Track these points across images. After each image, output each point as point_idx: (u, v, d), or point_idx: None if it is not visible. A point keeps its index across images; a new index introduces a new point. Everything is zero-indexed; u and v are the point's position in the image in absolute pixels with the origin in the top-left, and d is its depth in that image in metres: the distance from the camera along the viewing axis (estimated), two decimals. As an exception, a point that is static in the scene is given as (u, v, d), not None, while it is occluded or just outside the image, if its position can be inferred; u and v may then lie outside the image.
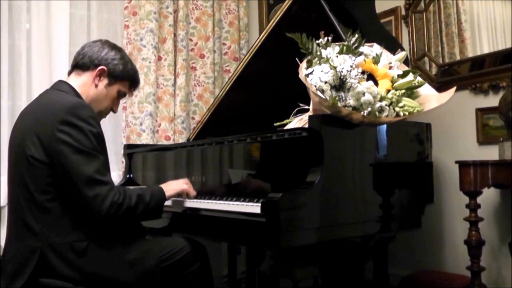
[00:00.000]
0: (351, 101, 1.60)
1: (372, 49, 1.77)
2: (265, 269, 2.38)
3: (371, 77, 1.69)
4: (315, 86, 1.62)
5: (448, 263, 2.41)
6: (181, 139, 3.00)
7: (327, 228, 1.58)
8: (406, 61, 1.93)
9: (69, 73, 1.77)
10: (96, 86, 1.72)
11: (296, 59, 1.74)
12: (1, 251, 1.65)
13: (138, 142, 2.84)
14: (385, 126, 1.77)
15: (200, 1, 3.22)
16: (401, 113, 1.65)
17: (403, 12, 2.62)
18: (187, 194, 1.84)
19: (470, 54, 2.35)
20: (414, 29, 2.56)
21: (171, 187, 1.78)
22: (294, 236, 1.48)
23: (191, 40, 3.19)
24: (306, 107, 1.89)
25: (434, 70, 2.48)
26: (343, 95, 1.61)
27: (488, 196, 2.19)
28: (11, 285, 1.51)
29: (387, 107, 1.64)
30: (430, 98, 1.75)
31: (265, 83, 2.50)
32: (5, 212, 1.67)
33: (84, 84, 1.71)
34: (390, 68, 1.76)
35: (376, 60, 1.73)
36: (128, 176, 2.56)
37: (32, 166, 1.51)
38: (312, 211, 1.53)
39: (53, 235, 1.50)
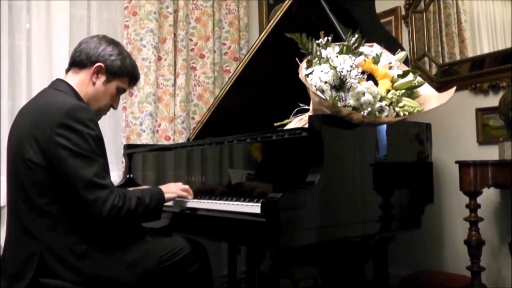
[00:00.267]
0: (351, 101, 1.60)
1: (372, 49, 1.77)
2: (265, 269, 2.38)
3: (371, 77, 1.69)
4: (315, 86, 1.62)
5: (448, 263, 2.41)
6: (181, 139, 3.00)
7: (327, 228, 1.58)
8: (406, 61, 1.93)
9: (67, 70, 1.74)
10: (94, 83, 1.69)
11: (296, 59, 1.74)
12: (1, 251, 1.65)
13: (138, 142, 2.84)
14: (385, 126, 1.77)
15: (200, 1, 3.22)
16: (401, 113, 1.65)
17: (403, 12, 2.62)
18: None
19: (470, 54, 2.35)
20: (414, 29, 2.56)
21: (170, 190, 1.77)
22: (294, 236, 1.48)
23: (191, 40, 3.19)
24: (306, 107, 1.89)
25: (434, 70, 2.48)
26: (343, 95, 1.61)
27: (488, 196, 2.19)
28: (11, 286, 1.51)
29: (387, 107, 1.64)
30: (430, 98, 1.75)
31: (265, 83, 2.50)
32: (5, 212, 1.66)
33: (82, 82, 1.68)
34: (390, 68, 1.76)
35: (376, 60, 1.73)
36: (128, 176, 2.56)
37: (30, 170, 1.50)
38: (312, 211, 1.53)
39: (52, 238, 1.49)
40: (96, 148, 1.52)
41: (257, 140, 1.81)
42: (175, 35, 3.08)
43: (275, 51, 2.29)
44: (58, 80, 1.71)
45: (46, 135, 1.49)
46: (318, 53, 1.69)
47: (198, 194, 1.96)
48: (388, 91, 1.68)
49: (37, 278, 1.48)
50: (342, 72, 1.59)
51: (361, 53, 1.71)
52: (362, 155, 1.73)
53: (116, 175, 2.83)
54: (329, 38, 1.71)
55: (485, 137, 2.26)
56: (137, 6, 2.95)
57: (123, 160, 2.67)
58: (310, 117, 1.64)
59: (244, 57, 2.44)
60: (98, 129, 1.56)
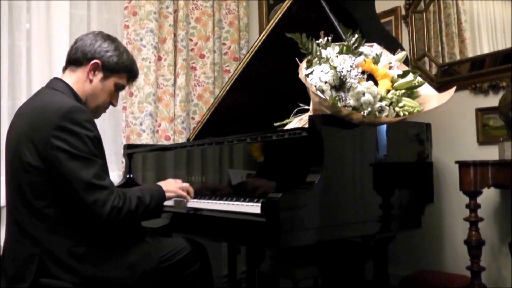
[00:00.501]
0: (351, 101, 1.60)
1: (372, 49, 1.77)
2: (265, 269, 2.38)
3: (371, 77, 1.69)
4: (315, 86, 1.62)
5: (448, 263, 2.41)
6: (181, 139, 3.00)
7: (327, 228, 1.58)
8: (406, 61, 1.93)
9: (64, 69, 1.72)
10: (91, 81, 1.66)
11: (296, 59, 1.74)
12: (0, 250, 1.65)
13: (138, 142, 2.84)
14: (385, 126, 1.77)
15: (200, 1, 3.22)
16: (401, 113, 1.65)
17: (403, 12, 2.62)
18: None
19: (470, 54, 2.35)
20: (414, 29, 2.56)
21: (171, 189, 1.75)
22: (294, 236, 1.48)
23: (191, 40, 3.19)
24: (306, 107, 1.89)
25: (434, 70, 2.48)
26: (343, 95, 1.60)
27: (488, 196, 2.19)
28: (12, 286, 1.51)
29: (387, 107, 1.64)
30: (430, 98, 1.75)
31: (265, 83, 2.50)
32: (5, 212, 1.66)
33: (79, 81, 1.66)
34: (390, 68, 1.76)
35: (376, 60, 1.73)
36: (128, 176, 2.56)
37: (28, 173, 1.49)
38: (312, 211, 1.53)
39: (50, 240, 1.48)
40: (94, 149, 1.51)
41: (257, 140, 1.81)
42: (175, 35, 3.08)
43: (275, 51, 2.28)
44: (56, 79, 1.69)
45: (43, 138, 1.47)
46: (318, 53, 1.69)
47: (198, 194, 1.95)
48: (388, 91, 1.68)
49: (38, 279, 1.48)
50: (342, 72, 1.59)
51: (361, 53, 1.71)
52: (362, 155, 1.73)
53: (116, 175, 2.83)
54: (329, 38, 1.71)
55: (485, 137, 2.26)
56: (137, 6, 2.95)
57: (123, 160, 2.67)
58: (310, 117, 1.64)
59: (244, 57, 2.44)
60: (96, 130, 1.54)
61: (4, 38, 2.56)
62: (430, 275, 2.29)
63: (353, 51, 1.69)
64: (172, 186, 1.77)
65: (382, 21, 2.57)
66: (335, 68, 1.60)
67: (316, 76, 1.63)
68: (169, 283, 1.65)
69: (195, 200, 1.86)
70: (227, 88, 2.48)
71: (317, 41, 1.71)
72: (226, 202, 1.77)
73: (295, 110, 1.93)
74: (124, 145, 2.68)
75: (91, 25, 2.89)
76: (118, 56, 1.69)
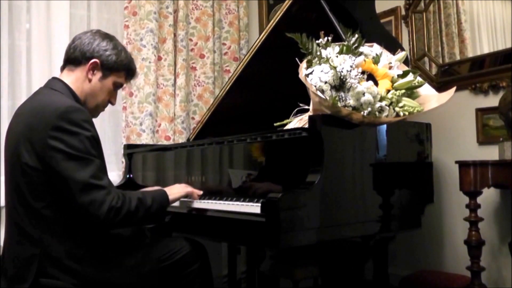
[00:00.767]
0: (351, 101, 1.60)
1: (372, 49, 1.77)
2: (265, 269, 2.38)
3: (371, 77, 1.69)
4: (315, 86, 1.62)
5: (448, 263, 2.41)
6: (181, 139, 3.00)
7: (327, 228, 1.58)
8: (406, 61, 1.93)
9: (62, 68, 1.70)
10: (90, 80, 1.65)
11: (296, 59, 1.74)
12: (0, 251, 1.65)
13: (138, 142, 2.84)
14: (385, 126, 1.77)
15: (200, 1, 3.22)
16: (401, 113, 1.65)
17: (403, 12, 2.62)
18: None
19: (470, 54, 2.35)
20: (414, 29, 2.56)
21: (174, 191, 1.73)
22: (294, 236, 1.48)
23: (191, 40, 3.19)
24: (306, 107, 1.89)
25: (434, 70, 2.48)
26: (343, 95, 1.60)
27: (488, 196, 2.19)
28: (12, 287, 1.51)
29: (387, 107, 1.64)
30: (430, 98, 1.75)
31: (265, 83, 2.50)
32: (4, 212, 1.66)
33: (78, 80, 1.65)
34: (390, 68, 1.76)
35: (376, 60, 1.73)
36: (128, 176, 2.55)
37: (26, 174, 1.48)
38: (312, 211, 1.53)
39: (49, 241, 1.48)
40: (91, 149, 1.49)
41: (257, 140, 1.81)
42: (175, 35, 3.08)
43: (275, 51, 2.28)
44: (54, 79, 1.68)
45: (40, 138, 1.47)
46: (318, 53, 1.69)
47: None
48: (388, 91, 1.68)
49: (38, 280, 1.48)
50: (342, 72, 1.59)
51: (361, 53, 1.71)
52: (362, 155, 1.73)
53: (116, 175, 2.83)
54: (329, 38, 1.71)
55: (485, 137, 2.26)
56: (137, 6, 2.95)
57: (123, 160, 2.67)
58: (310, 117, 1.64)
59: (244, 57, 2.44)
60: (93, 129, 1.53)
61: (4, 38, 2.56)
62: (430, 275, 2.29)
63: (353, 51, 1.69)
64: (176, 188, 1.76)
65: (382, 21, 2.57)
66: (335, 68, 1.60)
67: (316, 76, 1.63)
68: (168, 283, 1.65)
69: (195, 200, 1.85)
70: (227, 88, 2.48)
71: (317, 41, 1.71)
72: (226, 202, 1.76)
73: (295, 110, 1.93)
74: (124, 145, 2.68)
75: (91, 25, 2.88)
76: (117, 54, 1.69)
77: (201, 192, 1.84)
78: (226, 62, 3.34)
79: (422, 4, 2.53)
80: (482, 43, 2.31)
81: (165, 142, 2.96)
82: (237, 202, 1.71)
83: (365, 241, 1.83)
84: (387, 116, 1.64)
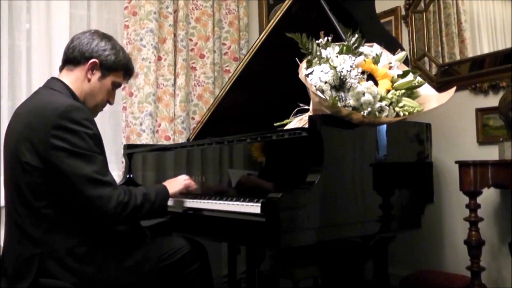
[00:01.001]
0: (351, 101, 1.60)
1: (372, 49, 1.77)
2: (265, 269, 2.38)
3: (371, 77, 1.69)
4: (315, 86, 1.62)
5: (448, 263, 2.41)
6: (181, 139, 3.01)
7: (327, 228, 1.58)
8: (406, 61, 1.93)
9: (61, 68, 1.71)
10: (89, 80, 1.67)
11: (296, 59, 1.74)
12: (0, 251, 1.65)
13: (138, 142, 2.84)
14: (385, 126, 1.77)
15: (200, 1, 3.22)
16: (401, 113, 1.65)
17: (403, 12, 2.62)
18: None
19: (470, 54, 2.35)
20: (414, 29, 2.56)
21: (173, 185, 1.77)
22: (294, 236, 1.48)
23: (191, 40, 3.19)
24: (306, 107, 1.89)
25: (434, 70, 2.48)
26: (343, 95, 1.60)
27: (488, 196, 2.19)
28: (12, 286, 1.51)
29: (387, 107, 1.64)
30: (430, 98, 1.74)
31: (265, 83, 2.50)
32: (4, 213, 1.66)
33: (77, 80, 1.66)
34: (390, 68, 1.75)
35: (376, 60, 1.73)
36: (128, 176, 2.55)
37: (27, 173, 1.48)
38: (312, 211, 1.53)
39: (50, 241, 1.48)
40: (94, 146, 1.50)
41: (257, 140, 1.81)
42: (175, 35, 3.08)
43: (275, 51, 2.28)
44: (53, 79, 1.69)
45: (42, 138, 1.47)
46: (318, 53, 1.69)
47: (198, 194, 1.96)
48: (388, 91, 1.67)
49: (38, 279, 1.48)
50: (342, 72, 1.59)
51: (361, 53, 1.71)
52: (362, 155, 1.73)
53: (116, 175, 2.79)
54: (329, 38, 1.71)
55: (485, 137, 2.26)
56: (137, 6, 2.95)
57: (123, 160, 2.67)
58: (310, 117, 1.63)
59: (244, 57, 2.44)
60: (95, 128, 1.55)
61: (4, 38, 2.56)
62: (430, 275, 2.29)
63: (353, 51, 1.69)
64: (175, 182, 1.80)
65: (382, 21, 2.57)
66: (335, 68, 1.60)
67: (316, 76, 1.63)
68: (168, 283, 1.65)
69: (195, 200, 1.86)
70: (227, 88, 2.48)
71: (317, 41, 1.71)
72: (226, 202, 1.76)
73: (295, 110, 1.93)
74: (124, 145, 2.68)
75: (91, 25, 2.89)
76: (115, 54, 1.70)
77: (196, 186, 1.88)
78: (226, 62, 3.34)
79: (422, 4, 2.53)
80: (482, 43, 2.31)
81: (165, 142, 2.96)
82: (237, 202, 1.71)
83: (365, 241, 1.83)
84: (387, 116, 1.64)
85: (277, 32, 2.21)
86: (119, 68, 1.72)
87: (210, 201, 1.84)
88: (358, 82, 1.60)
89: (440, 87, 2.24)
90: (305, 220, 1.51)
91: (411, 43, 2.57)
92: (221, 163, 1.98)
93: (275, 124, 1.99)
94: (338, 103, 1.59)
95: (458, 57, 2.39)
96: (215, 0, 3.28)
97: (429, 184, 1.97)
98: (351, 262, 1.93)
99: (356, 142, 1.71)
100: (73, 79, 1.67)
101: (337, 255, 1.92)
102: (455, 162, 2.05)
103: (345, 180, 1.66)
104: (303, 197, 1.51)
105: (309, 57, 1.71)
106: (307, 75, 1.67)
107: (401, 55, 1.81)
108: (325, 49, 1.70)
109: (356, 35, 1.72)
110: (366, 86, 1.60)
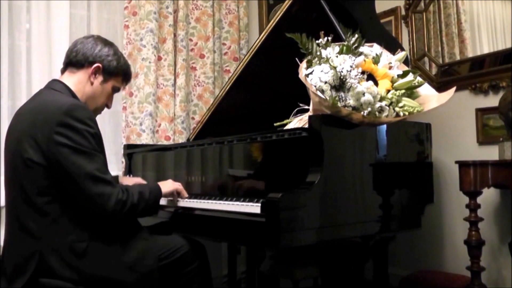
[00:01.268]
0: (351, 101, 1.60)
1: (372, 49, 1.77)
2: (265, 269, 2.38)
3: (371, 77, 1.69)
4: (315, 86, 1.62)
5: (448, 263, 2.41)
6: (181, 139, 3.01)
7: (327, 228, 1.58)
8: (406, 61, 1.93)
9: (62, 71, 1.75)
10: (92, 83, 1.72)
11: (296, 59, 1.74)
12: (0, 250, 1.65)
13: (138, 142, 2.84)
14: (385, 126, 1.77)
15: (200, 1, 3.22)
16: (401, 113, 1.65)
17: (403, 12, 2.62)
18: (179, 194, 1.87)
19: (470, 54, 2.35)
20: (414, 29, 2.56)
21: (167, 185, 1.81)
22: (294, 236, 1.48)
23: (191, 40, 3.19)
24: (306, 107, 1.89)
25: (434, 70, 2.48)
26: (343, 95, 1.60)
27: (488, 196, 2.19)
28: (11, 286, 1.51)
29: (387, 107, 1.64)
30: (430, 98, 1.75)
31: (265, 83, 2.50)
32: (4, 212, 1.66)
33: (79, 82, 1.71)
34: (390, 68, 1.75)
35: (376, 60, 1.73)
36: (128, 176, 2.55)
37: (30, 169, 1.50)
38: (312, 211, 1.53)
39: (52, 237, 1.49)
40: (95, 145, 1.54)
41: (257, 140, 1.81)
42: (175, 35, 3.08)
43: (275, 51, 2.29)
44: (54, 80, 1.72)
45: (45, 134, 1.50)
46: (318, 53, 1.69)
47: (198, 194, 1.96)
48: (388, 91, 1.68)
49: (37, 277, 1.48)
50: (342, 72, 1.59)
51: (361, 53, 1.71)
52: (362, 155, 1.73)
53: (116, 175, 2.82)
54: (329, 38, 1.71)
55: (485, 137, 2.26)
56: (137, 6, 2.95)
57: (123, 160, 2.67)
58: (310, 117, 1.64)
59: (244, 57, 2.44)
60: (97, 127, 1.58)
61: (4, 38, 2.56)
62: (430, 275, 2.29)
63: (353, 51, 1.69)
64: (167, 184, 1.83)
65: (382, 21, 2.57)
66: (335, 68, 1.60)
67: (316, 76, 1.63)
68: (168, 281, 1.66)
69: (195, 200, 1.86)
70: (227, 88, 2.48)
71: (317, 41, 1.71)
72: (226, 202, 1.77)
73: (295, 110, 1.93)
74: (124, 145, 2.68)
75: (91, 25, 2.89)
76: (117, 60, 1.76)
77: (187, 195, 1.89)
78: (226, 62, 3.34)
79: (422, 4, 2.53)
80: (482, 43, 2.31)
81: (165, 142, 2.96)
82: (237, 202, 1.71)
83: (365, 241, 1.83)
84: (387, 116, 1.64)
85: (277, 32, 2.21)
86: (119, 73, 1.79)
87: (210, 201, 1.85)
88: (358, 82, 1.60)
89: (440, 87, 2.24)
90: (305, 220, 1.51)
91: (411, 43, 2.57)
92: (221, 163, 1.98)
93: (275, 124, 1.99)
94: (338, 103, 1.59)
95: (458, 57, 2.39)
96: (215, 0, 3.28)
97: (429, 184, 1.97)
98: (351, 262, 1.93)
99: (356, 142, 1.71)
100: (76, 81, 1.71)
101: (337, 255, 1.92)
102: (455, 162, 2.05)
103: (345, 180, 1.66)
104: (303, 197, 1.51)
105: (309, 57, 1.71)
106: (307, 75, 1.67)
107: (401, 55, 1.81)
108: (325, 49, 1.70)
109: (356, 35, 1.72)
110: (366, 86, 1.60)
